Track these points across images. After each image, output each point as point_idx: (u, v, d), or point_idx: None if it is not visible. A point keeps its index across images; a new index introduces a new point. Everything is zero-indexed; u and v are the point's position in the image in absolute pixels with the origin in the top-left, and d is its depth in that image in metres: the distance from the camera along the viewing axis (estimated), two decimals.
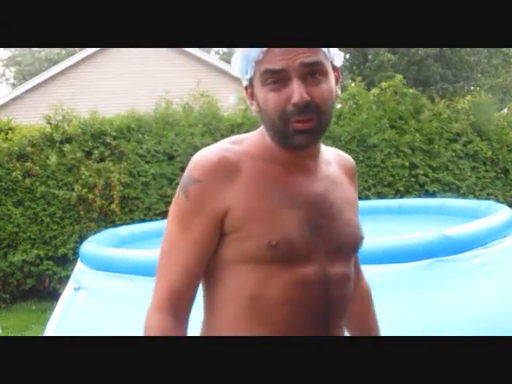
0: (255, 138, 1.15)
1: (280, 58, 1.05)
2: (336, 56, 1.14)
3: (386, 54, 20.77)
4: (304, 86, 1.05)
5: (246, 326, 1.06)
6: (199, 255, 1.07)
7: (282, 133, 1.08)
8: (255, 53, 1.07)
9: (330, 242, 1.11)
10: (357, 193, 1.29)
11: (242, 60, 1.10)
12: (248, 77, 1.11)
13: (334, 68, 1.14)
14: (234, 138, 1.16)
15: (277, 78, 1.05)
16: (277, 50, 1.05)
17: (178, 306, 1.06)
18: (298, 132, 1.07)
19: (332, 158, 1.23)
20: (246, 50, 1.08)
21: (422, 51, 21.69)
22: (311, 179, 1.14)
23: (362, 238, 1.19)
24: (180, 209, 1.08)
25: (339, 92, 1.15)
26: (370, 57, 22.11)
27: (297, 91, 1.04)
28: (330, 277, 1.09)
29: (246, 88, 1.15)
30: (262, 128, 1.15)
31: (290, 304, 1.06)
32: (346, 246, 1.15)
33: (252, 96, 1.13)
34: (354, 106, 7.21)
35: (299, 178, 1.12)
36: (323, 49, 1.09)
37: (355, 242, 1.17)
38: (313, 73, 1.07)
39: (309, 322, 1.08)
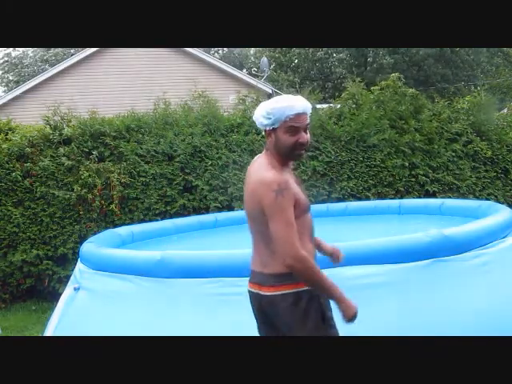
0: (271, 163, 2.19)
1: (300, 120, 2.15)
2: None
3: (385, 58, 20.78)
4: (307, 135, 2.20)
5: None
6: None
7: (290, 155, 2.21)
8: (289, 114, 2.12)
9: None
10: None
11: (275, 116, 2.13)
12: (275, 126, 2.16)
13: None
14: (267, 164, 2.20)
15: (294, 129, 2.15)
16: (300, 116, 2.14)
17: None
18: (300, 155, 2.25)
19: None
20: (279, 113, 2.13)
21: (422, 51, 21.70)
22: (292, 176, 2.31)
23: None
24: (282, 203, 2.09)
25: None
26: (369, 58, 22.11)
27: (305, 137, 2.18)
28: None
29: (269, 132, 2.18)
30: (268, 156, 2.23)
31: (307, 229, 2.25)
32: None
33: (271, 135, 2.19)
34: (354, 106, 7.20)
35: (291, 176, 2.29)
36: None
37: None
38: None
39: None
